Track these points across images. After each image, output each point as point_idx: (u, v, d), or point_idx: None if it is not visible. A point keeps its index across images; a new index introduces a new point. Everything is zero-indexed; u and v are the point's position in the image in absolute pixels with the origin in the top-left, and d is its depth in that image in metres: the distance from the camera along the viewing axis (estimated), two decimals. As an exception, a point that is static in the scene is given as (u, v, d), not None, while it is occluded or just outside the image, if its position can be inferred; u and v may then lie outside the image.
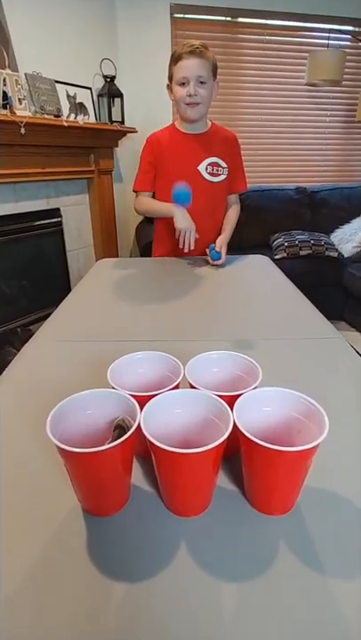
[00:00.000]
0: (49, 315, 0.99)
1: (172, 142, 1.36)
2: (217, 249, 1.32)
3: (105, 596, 0.35)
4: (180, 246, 1.31)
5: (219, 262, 1.31)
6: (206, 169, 1.37)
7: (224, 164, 1.39)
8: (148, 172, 1.39)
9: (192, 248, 1.30)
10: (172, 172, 1.36)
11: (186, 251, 1.31)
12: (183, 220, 1.28)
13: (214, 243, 1.35)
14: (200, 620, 0.33)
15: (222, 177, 1.40)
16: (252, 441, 0.37)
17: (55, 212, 2.34)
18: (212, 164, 1.37)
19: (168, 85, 1.30)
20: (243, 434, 0.38)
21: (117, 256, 2.85)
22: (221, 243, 1.34)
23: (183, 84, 1.23)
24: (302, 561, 0.37)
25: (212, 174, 1.38)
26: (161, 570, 0.37)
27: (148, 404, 0.42)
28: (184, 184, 1.26)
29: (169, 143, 1.36)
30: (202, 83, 1.23)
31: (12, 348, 1.93)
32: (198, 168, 1.36)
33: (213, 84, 1.27)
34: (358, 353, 0.77)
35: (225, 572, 0.36)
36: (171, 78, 1.27)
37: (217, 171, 1.38)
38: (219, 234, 1.43)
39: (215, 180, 1.39)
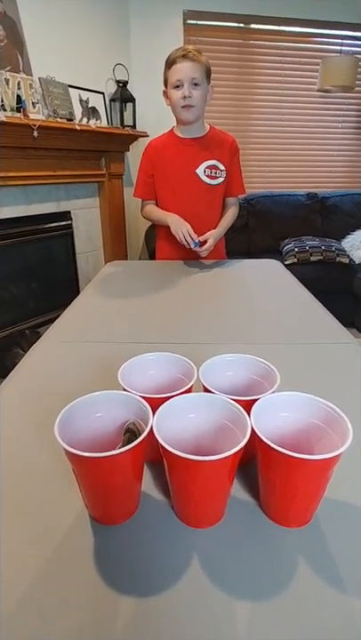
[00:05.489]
0: (57, 317, 0.98)
1: (171, 147, 1.37)
2: (200, 239, 1.31)
3: (112, 610, 0.33)
4: (187, 247, 1.31)
5: (197, 250, 1.31)
6: (205, 172, 1.37)
7: (222, 167, 1.38)
8: (145, 180, 1.42)
9: (197, 240, 1.29)
10: (172, 176, 1.38)
11: (193, 247, 1.29)
12: (178, 226, 1.30)
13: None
14: (212, 639, 0.31)
15: (220, 179, 1.39)
16: (271, 448, 0.35)
17: (66, 215, 2.35)
18: (211, 167, 1.37)
19: (164, 92, 1.31)
20: (261, 440, 0.36)
21: (127, 259, 2.85)
22: (209, 235, 1.33)
23: (178, 86, 1.25)
24: (321, 576, 0.35)
25: (210, 177, 1.38)
26: (171, 584, 0.35)
27: (161, 408, 0.40)
28: None
29: (167, 149, 1.37)
30: (195, 85, 1.24)
31: (20, 349, 1.93)
32: (197, 171, 1.36)
33: (208, 88, 1.28)
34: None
35: (239, 588, 0.34)
36: (166, 83, 1.29)
37: (215, 173, 1.38)
38: None
39: (214, 182, 1.39)
